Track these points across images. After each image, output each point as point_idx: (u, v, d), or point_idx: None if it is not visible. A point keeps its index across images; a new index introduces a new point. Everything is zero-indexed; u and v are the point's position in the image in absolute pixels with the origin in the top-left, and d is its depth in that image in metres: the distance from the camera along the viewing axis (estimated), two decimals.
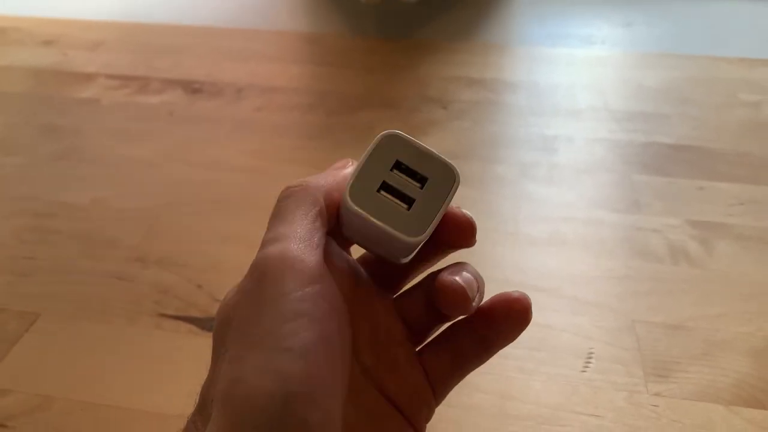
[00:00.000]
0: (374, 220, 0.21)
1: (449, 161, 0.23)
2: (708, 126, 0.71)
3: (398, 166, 0.22)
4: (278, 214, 0.22)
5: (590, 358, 0.43)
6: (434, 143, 0.68)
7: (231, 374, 0.19)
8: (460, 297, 0.22)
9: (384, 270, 0.26)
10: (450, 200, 0.22)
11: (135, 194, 0.61)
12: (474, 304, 0.23)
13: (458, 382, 0.26)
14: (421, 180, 0.22)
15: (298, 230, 0.21)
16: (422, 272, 0.27)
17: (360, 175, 0.22)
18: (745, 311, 0.47)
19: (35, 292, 0.50)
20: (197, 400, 0.22)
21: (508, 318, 0.24)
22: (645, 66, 0.86)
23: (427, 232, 0.22)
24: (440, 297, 0.23)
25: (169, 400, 0.40)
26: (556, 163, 0.65)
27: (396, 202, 0.22)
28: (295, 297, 0.19)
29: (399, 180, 0.22)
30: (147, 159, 0.66)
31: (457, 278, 0.23)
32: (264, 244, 0.21)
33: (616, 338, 0.45)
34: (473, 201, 0.57)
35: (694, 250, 0.53)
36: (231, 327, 0.21)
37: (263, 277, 0.20)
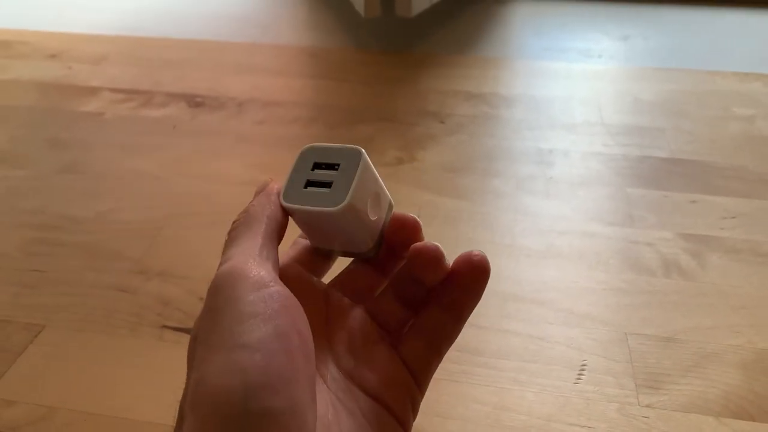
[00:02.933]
0: (305, 207, 0.26)
1: (353, 146, 0.27)
2: (702, 140, 0.72)
3: (317, 165, 0.27)
4: (228, 242, 0.25)
5: (583, 369, 0.44)
6: (432, 156, 0.69)
7: (196, 377, 0.21)
8: (433, 255, 0.25)
9: (352, 288, 0.29)
10: (362, 170, 0.26)
11: (138, 207, 0.62)
12: (446, 262, 0.26)
13: (437, 363, 0.28)
14: (336, 167, 0.26)
15: (246, 248, 0.24)
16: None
17: (289, 182, 0.27)
18: (736, 324, 0.48)
19: (40, 303, 0.51)
20: (177, 415, 0.23)
21: (471, 272, 0.26)
22: (641, 79, 0.87)
23: (348, 196, 0.26)
24: (417, 260, 0.26)
25: (171, 411, 0.41)
26: (552, 176, 0.66)
27: (320, 190, 0.26)
28: (246, 301, 0.21)
29: (319, 175, 0.26)
30: (150, 172, 0.67)
31: (428, 242, 0.26)
32: (218, 267, 0.24)
33: (609, 350, 0.45)
34: (470, 214, 0.58)
35: (686, 263, 0.54)
36: (197, 340, 0.22)
37: (217, 291, 0.22)
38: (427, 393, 0.27)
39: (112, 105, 0.81)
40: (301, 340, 0.22)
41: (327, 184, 0.26)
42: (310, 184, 0.26)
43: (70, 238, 0.58)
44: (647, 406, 0.41)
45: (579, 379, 0.43)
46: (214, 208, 0.62)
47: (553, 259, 0.54)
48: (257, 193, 0.28)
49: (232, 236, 0.25)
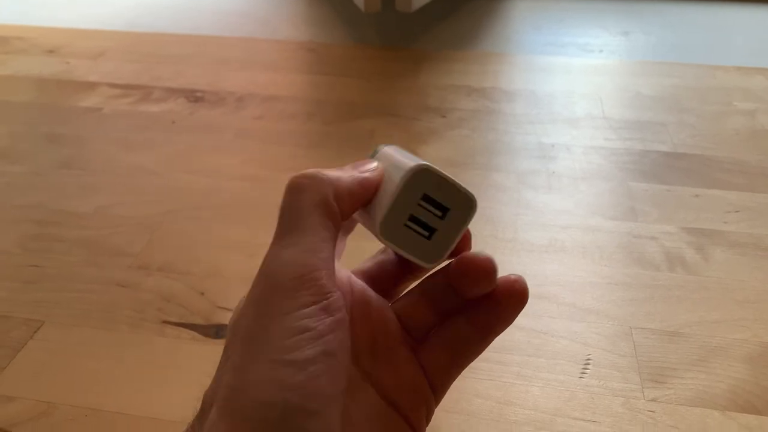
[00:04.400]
0: (400, 251, 0.24)
1: (470, 192, 0.24)
2: (704, 134, 0.72)
3: (427, 198, 0.24)
4: (290, 215, 0.22)
5: (588, 364, 0.44)
6: (433, 151, 0.69)
7: (233, 382, 0.20)
8: (487, 269, 0.23)
9: (378, 279, 0.27)
10: (466, 227, 0.25)
11: (138, 202, 0.61)
12: (496, 277, 0.24)
13: (456, 376, 0.26)
14: (444, 209, 0.24)
15: (310, 239, 0.21)
16: (415, 280, 0.28)
17: (392, 209, 0.24)
18: (741, 318, 0.47)
19: (40, 299, 0.50)
20: (198, 406, 0.22)
21: (509, 298, 0.25)
22: (642, 74, 0.87)
23: (442, 258, 0.24)
24: (469, 272, 0.24)
25: (171, 407, 0.41)
26: (554, 170, 0.66)
27: (420, 232, 0.24)
28: (302, 313, 0.20)
29: (424, 212, 0.24)
30: (149, 167, 0.67)
31: (481, 254, 0.24)
32: (274, 250, 0.21)
33: (614, 345, 0.45)
34: None
35: (690, 257, 0.53)
36: (237, 335, 0.21)
37: (273, 290, 0.21)
38: None
39: (110, 100, 0.80)
40: (343, 357, 0.21)
41: (429, 229, 0.24)
42: (412, 220, 0.24)
43: (69, 234, 0.57)
44: (652, 400, 0.41)
45: (584, 373, 0.43)
46: (213, 203, 0.61)
47: (555, 253, 0.54)
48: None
49: (294, 205, 0.22)
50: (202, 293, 0.50)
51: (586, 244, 0.55)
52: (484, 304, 0.25)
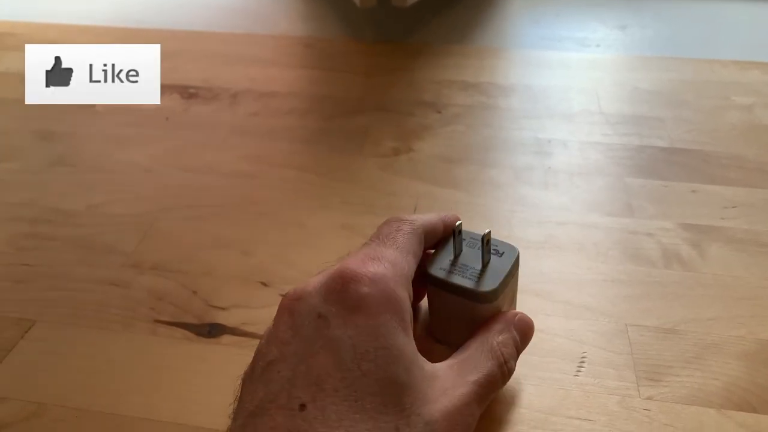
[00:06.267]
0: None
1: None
2: (702, 129, 0.72)
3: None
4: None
5: (582, 362, 0.43)
6: (428, 147, 0.68)
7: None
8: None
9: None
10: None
11: (130, 200, 0.61)
12: None
13: None
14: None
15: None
16: None
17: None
18: (737, 315, 0.47)
19: (31, 298, 0.50)
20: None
21: None
22: (640, 69, 0.86)
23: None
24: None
25: (163, 407, 0.41)
26: (550, 166, 0.65)
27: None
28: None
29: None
30: (143, 164, 0.66)
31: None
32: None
33: (609, 342, 0.45)
34: (467, 205, 0.58)
35: (687, 253, 0.53)
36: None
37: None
38: None
39: None
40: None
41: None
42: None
43: (61, 232, 0.57)
44: (648, 398, 0.41)
45: (579, 371, 0.43)
46: (207, 201, 0.61)
47: (551, 250, 0.54)
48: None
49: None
50: (195, 292, 0.50)
51: (583, 240, 0.55)
52: None
